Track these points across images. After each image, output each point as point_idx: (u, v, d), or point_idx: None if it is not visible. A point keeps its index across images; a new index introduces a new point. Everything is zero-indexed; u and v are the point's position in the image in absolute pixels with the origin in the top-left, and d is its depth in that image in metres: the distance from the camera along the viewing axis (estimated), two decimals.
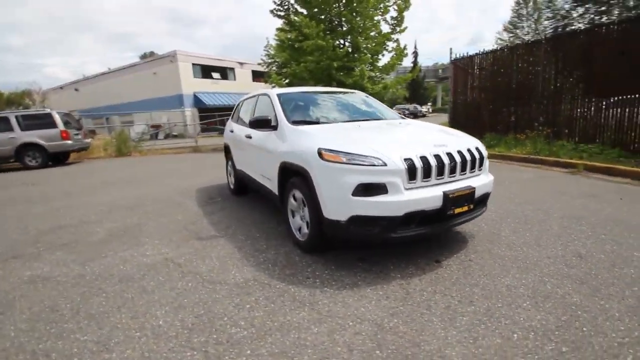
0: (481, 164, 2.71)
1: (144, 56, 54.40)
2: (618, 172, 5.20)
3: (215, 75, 28.19)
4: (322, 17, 13.00)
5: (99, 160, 11.68)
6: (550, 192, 4.54)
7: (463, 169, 2.51)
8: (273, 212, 4.10)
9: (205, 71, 27.28)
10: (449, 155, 2.43)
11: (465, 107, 10.08)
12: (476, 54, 9.55)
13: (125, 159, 11.81)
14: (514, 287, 2.17)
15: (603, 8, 33.22)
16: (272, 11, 13.78)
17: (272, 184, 3.35)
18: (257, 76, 30.88)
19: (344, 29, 13.11)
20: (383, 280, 2.34)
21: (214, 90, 27.14)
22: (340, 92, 4.28)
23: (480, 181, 2.61)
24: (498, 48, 9.53)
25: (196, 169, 8.34)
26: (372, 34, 13.64)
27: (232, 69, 29.48)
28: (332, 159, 2.34)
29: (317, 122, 3.20)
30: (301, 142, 2.75)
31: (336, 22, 13.38)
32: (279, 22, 14.90)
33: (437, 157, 2.37)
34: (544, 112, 7.82)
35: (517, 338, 1.70)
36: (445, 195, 2.29)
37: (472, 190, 2.45)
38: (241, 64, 29.92)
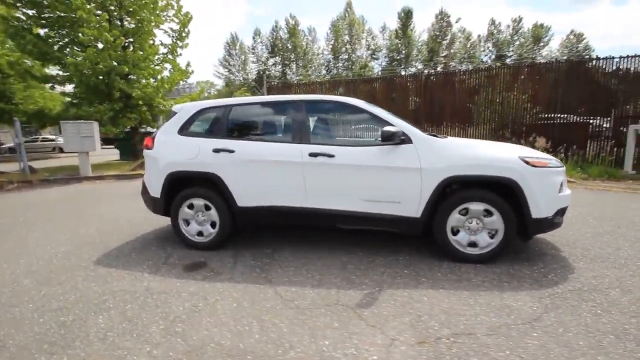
0: None
1: None
2: None
3: None
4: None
5: None
6: None
7: None
8: (352, 244, 3.24)
9: None
10: None
11: None
12: (296, 83, 10.95)
13: None
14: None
15: (287, 61, 45.67)
16: None
17: (401, 207, 2.87)
18: None
19: (130, 25, 10.32)
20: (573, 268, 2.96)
21: None
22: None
23: None
24: (315, 81, 11.47)
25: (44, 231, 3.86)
26: (154, 41, 11.73)
27: None
28: (542, 165, 2.69)
29: None
30: (481, 153, 2.78)
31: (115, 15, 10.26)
32: None
33: None
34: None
35: None
36: None
37: None
38: None
